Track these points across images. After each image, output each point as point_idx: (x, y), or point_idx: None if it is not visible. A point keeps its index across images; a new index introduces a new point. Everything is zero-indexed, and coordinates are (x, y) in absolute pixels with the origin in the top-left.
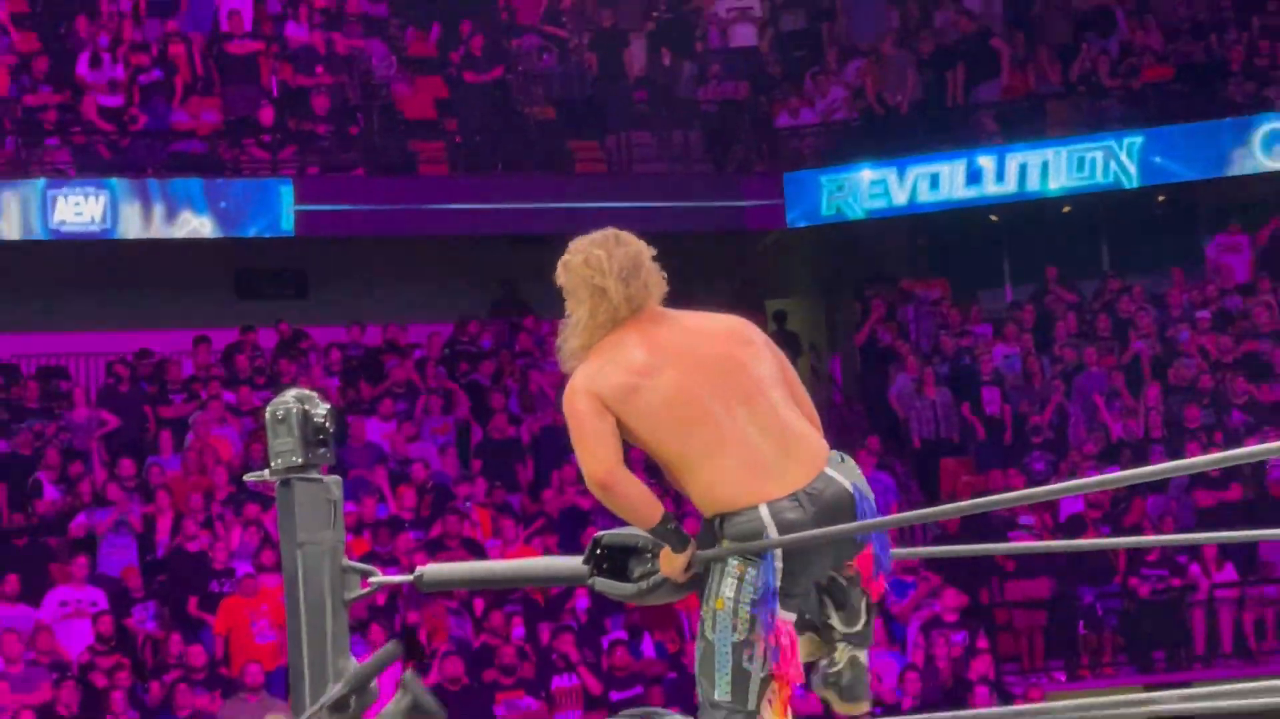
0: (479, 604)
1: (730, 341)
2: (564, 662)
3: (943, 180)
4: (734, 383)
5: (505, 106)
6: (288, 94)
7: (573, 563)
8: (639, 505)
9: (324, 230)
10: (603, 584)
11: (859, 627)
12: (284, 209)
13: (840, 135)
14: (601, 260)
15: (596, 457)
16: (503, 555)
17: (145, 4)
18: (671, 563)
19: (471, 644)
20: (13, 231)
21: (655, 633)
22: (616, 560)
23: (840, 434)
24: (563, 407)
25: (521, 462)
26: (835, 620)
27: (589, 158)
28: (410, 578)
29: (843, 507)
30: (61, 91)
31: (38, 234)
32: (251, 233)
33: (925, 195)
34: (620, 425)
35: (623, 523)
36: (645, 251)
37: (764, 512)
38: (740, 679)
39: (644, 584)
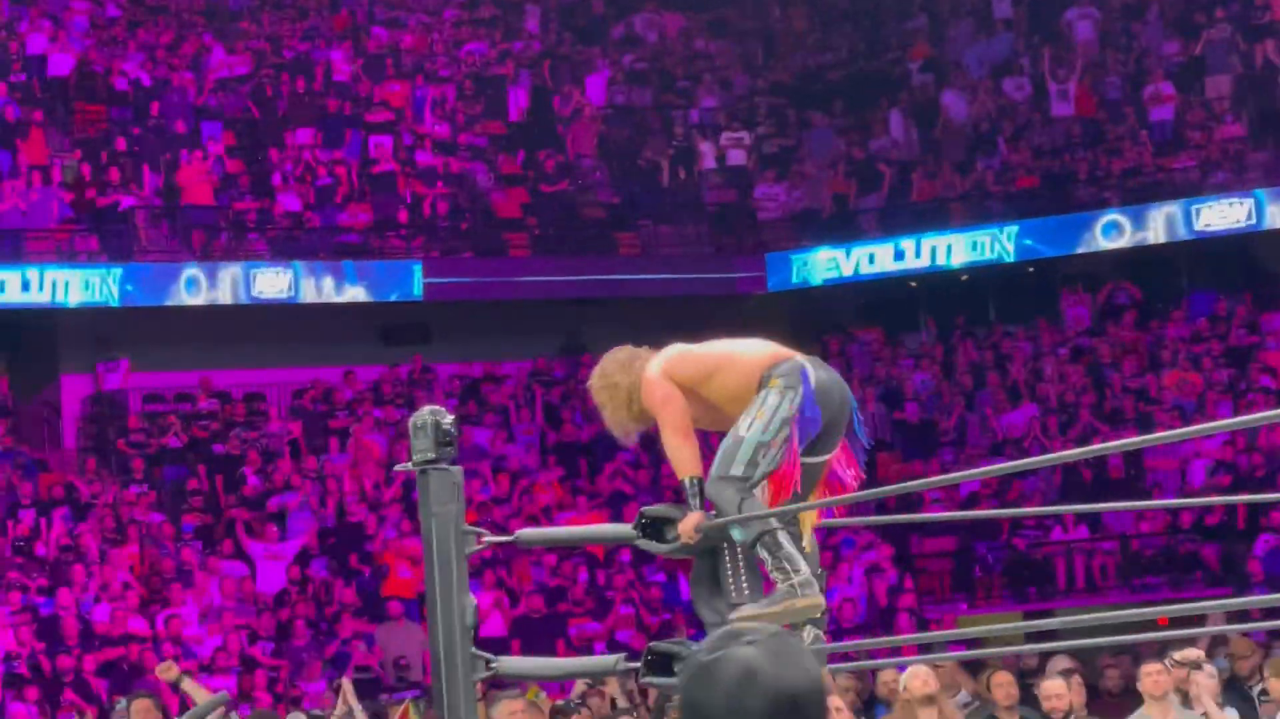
0: (552, 558)
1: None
2: (618, 596)
3: (878, 258)
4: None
5: (569, 208)
6: (417, 200)
7: (623, 528)
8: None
9: (443, 296)
10: (644, 543)
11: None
12: (415, 281)
13: (804, 226)
14: (624, 368)
15: (675, 416)
16: (571, 523)
17: (319, 139)
18: (687, 522)
19: (549, 585)
20: (226, 298)
21: (686, 574)
22: (655, 527)
23: None
24: (643, 394)
25: (584, 456)
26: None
27: (628, 244)
28: (510, 538)
29: (846, 394)
30: (260, 199)
31: (243, 299)
32: (392, 298)
33: (865, 269)
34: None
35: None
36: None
37: (802, 360)
38: (751, 464)
39: (674, 544)
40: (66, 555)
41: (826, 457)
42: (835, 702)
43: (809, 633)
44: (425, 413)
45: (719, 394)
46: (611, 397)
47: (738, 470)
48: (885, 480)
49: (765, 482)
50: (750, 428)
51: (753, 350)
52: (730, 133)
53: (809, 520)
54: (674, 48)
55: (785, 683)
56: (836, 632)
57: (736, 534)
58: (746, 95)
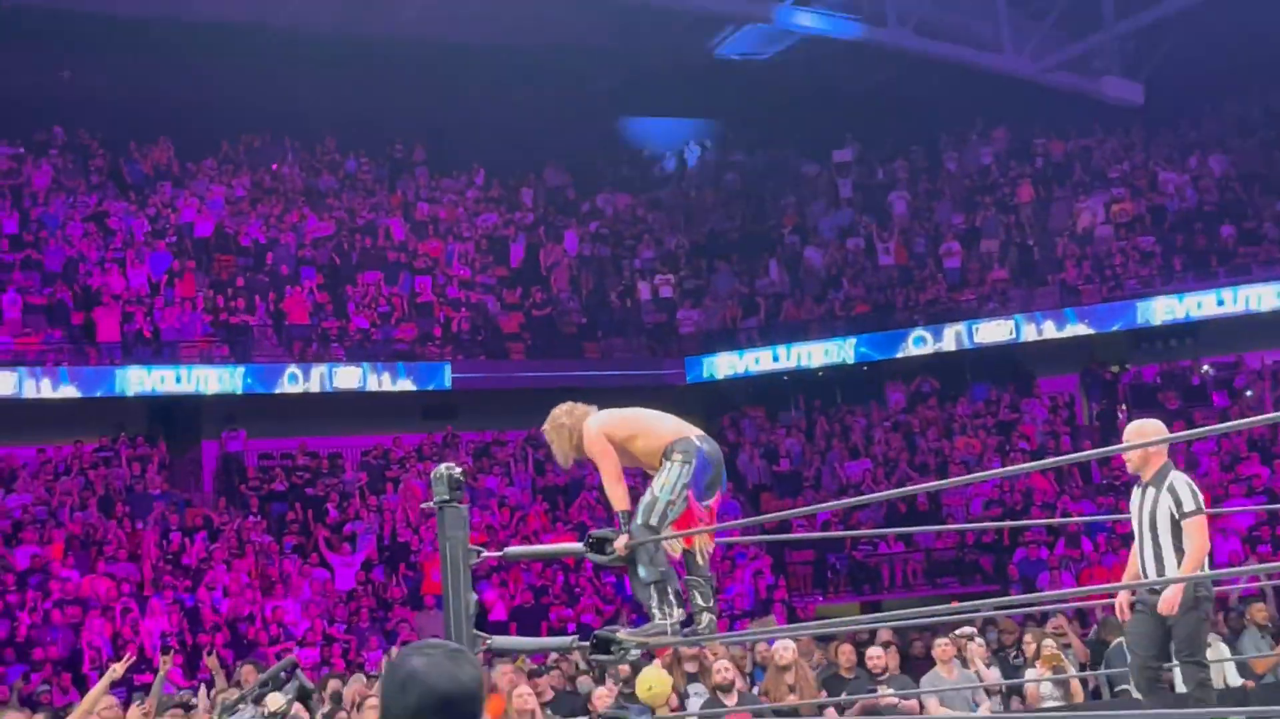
0: (538, 566)
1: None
2: (584, 592)
3: (761, 360)
4: (643, 419)
5: (552, 326)
6: (448, 320)
7: (577, 545)
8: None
9: (466, 386)
10: (591, 555)
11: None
12: (446, 376)
13: (711, 338)
14: (571, 413)
15: (612, 463)
16: (550, 542)
17: (381, 279)
18: (619, 542)
19: (535, 584)
20: (315, 388)
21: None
22: (598, 544)
23: None
24: (587, 444)
25: (561, 495)
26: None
27: (591, 350)
28: (500, 554)
29: (721, 459)
30: (340, 320)
31: (328, 389)
32: (430, 387)
33: (753, 368)
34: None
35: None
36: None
37: (695, 439)
38: (661, 517)
39: (610, 556)
40: (204, 565)
41: (710, 501)
42: (726, 664)
43: (705, 618)
44: (442, 469)
45: (639, 450)
46: (558, 434)
47: (654, 520)
48: (767, 512)
49: (670, 525)
50: (661, 490)
51: (664, 426)
52: (661, 275)
53: (701, 543)
54: (624, 217)
55: (438, 686)
56: (731, 616)
57: (642, 572)
58: (673, 250)
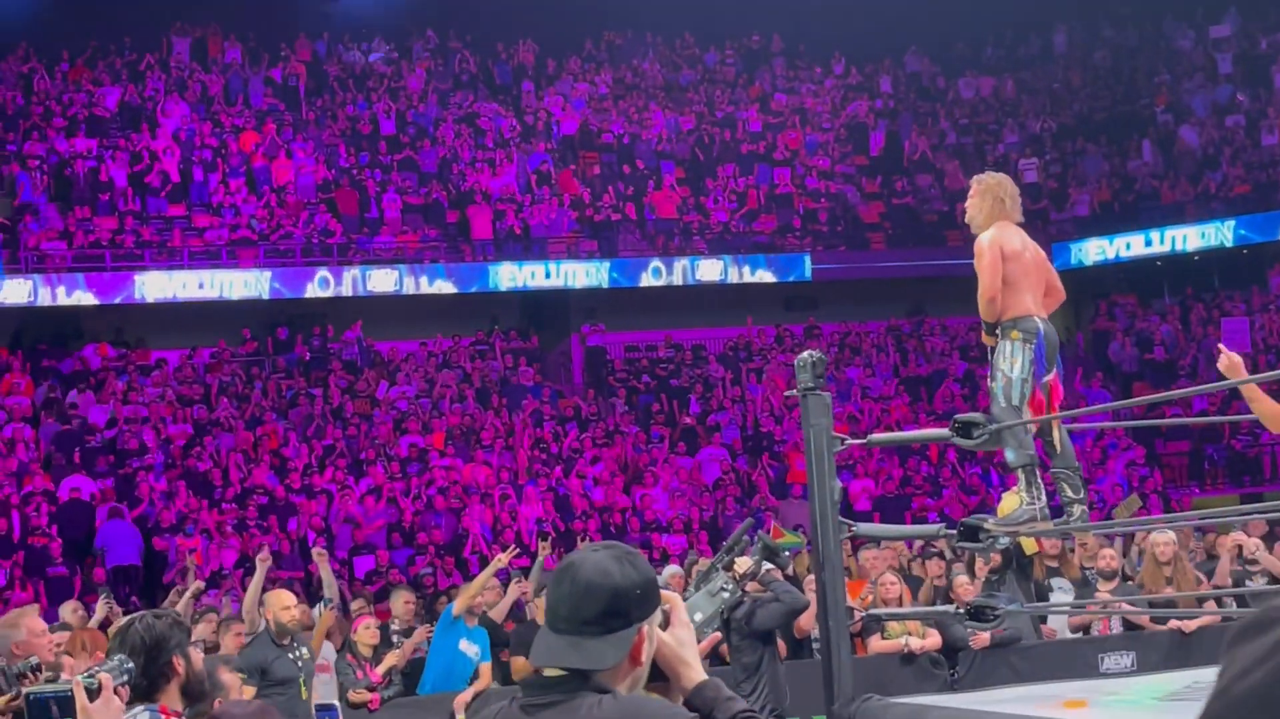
0: (899, 457)
1: (1039, 252)
2: (947, 483)
3: (1133, 245)
4: (1041, 271)
5: (913, 215)
6: (808, 212)
7: (942, 430)
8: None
9: (826, 277)
10: (957, 440)
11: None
12: (806, 267)
13: (1081, 224)
14: (1007, 185)
15: (994, 280)
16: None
17: (738, 171)
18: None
19: (896, 475)
20: (678, 280)
21: (993, 464)
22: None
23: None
24: (984, 243)
25: (924, 385)
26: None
27: (954, 239)
28: (864, 440)
29: (1057, 339)
30: (700, 214)
31: (690, 282)
32: (790, 279)
33: (1124, 253)
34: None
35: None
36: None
37: (1037, 320)
38: (1021, 395)
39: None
40: (574, 455)
41: (1049, 378)
42: (1111, 552)
43: (1076, 510)
44: (807, 355)
45: (994, 286)
46: (982, 198)
47: (1015, 400)
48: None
49: (1025, 405)
50: (1012, 370)
51: (1025, 294)
52: (1026, 159)
53: (1057, 426)
54: (987, 100)
55: (586, 576)
56: (1103, 507)
57: (1010, 456)
58: (1039, 133)
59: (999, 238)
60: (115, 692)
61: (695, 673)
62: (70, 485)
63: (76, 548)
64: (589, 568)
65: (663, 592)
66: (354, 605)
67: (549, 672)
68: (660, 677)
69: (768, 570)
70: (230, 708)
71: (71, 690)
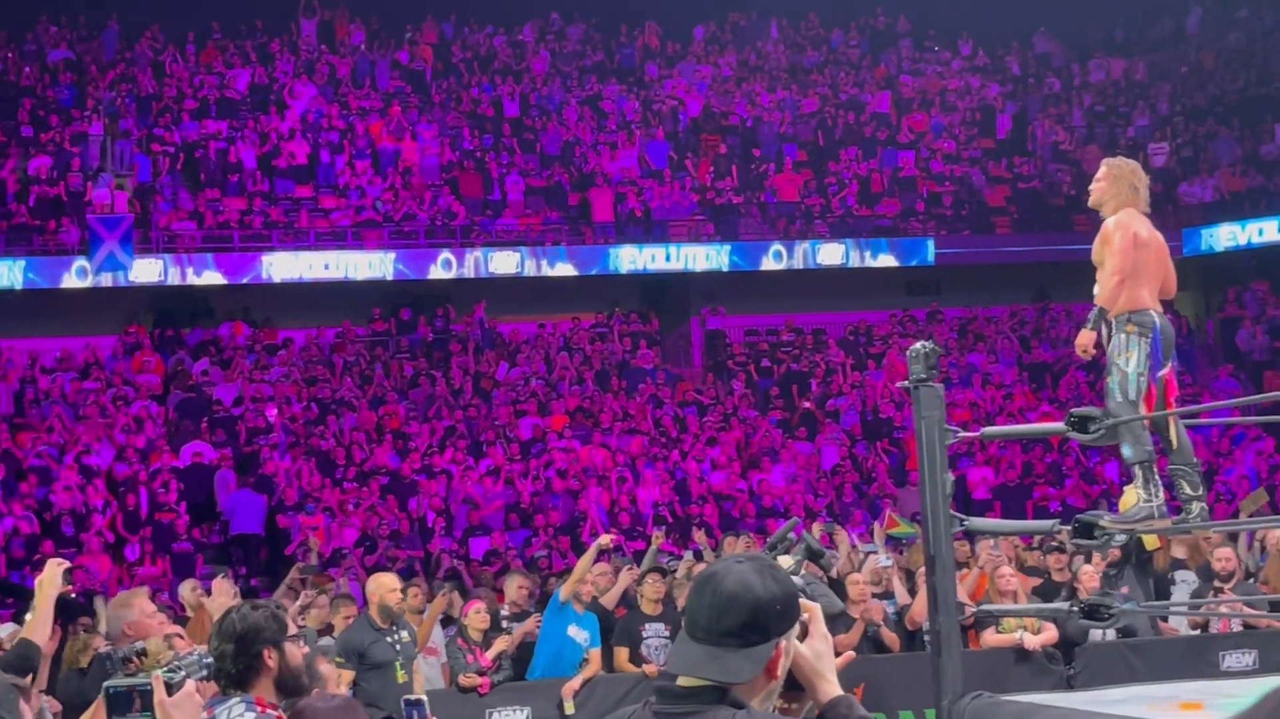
0: (1021, 444)
1: (1163, 245)
2: (1069, 473)
3: (1265, 231)
4: (1159, 260)
5: (1039, 199)
6: (931, 195)
7: (1058, 424)
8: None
9: (949, 261)
10: (1073, 434)
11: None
12: (929, 251)
13: (1210, 209)
14: (1140, 174)
15: (1126, 262)
16: (1037, 422)
17: (861, 155)
18: (1081, 338)
19: (1019, 463)
20: (799, 264)
21: (1115, 457)
22: (1080, 423)
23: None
24: (1117, 225)
25: (1048, 373)
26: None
27: (1081, 223)
28: (978, 435)
29: (1172, 333)
30: (822, 197)
31: (811, 265)
32: (913, 263)
33: (1255, 239)
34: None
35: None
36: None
37: (1154, 314)
38: (1136, 390)
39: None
40: (684, 437)
41: (1162, 373)
42: (1228, 553)
43: (1195, 507)
44: (920, 346)
45: (1125, 267)
46: (1115, 181)
47: (1133, 395)
48: (1270, 390)
49: (1140, 400)
50: (1129, 365)
51: (1147, 288)
52: (1155, 143)
53: (1173, 422)
54: (1117, 83)
55: (729, 589)
56: (1230, 499)
57: (1127, 451)
58: (1169, 116)
59: (1131, 223)
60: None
61: (831, 687)
62: (193, 450)
63: (198, 512)
64: (731, 580)
65: (802, 602)
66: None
67: (684, 680)
68: (794, 686)
69: (807, 572)
70: (315, 702)
71: (152, 685)
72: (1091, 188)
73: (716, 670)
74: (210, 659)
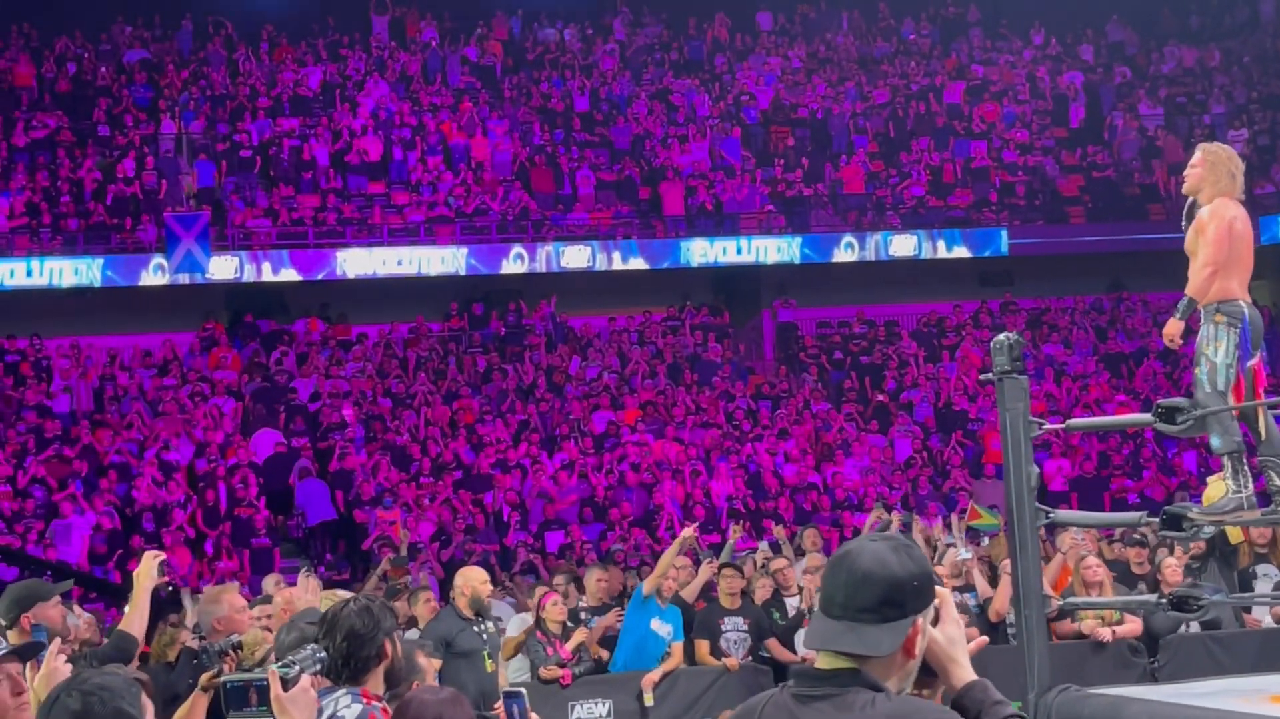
0: (1100, 435)
1: (1250, 227)
2: (1148, 464)
3: None
4: (1249, 249)
5: (1114, 188)
6: (1005, 186)
7: (1145, 415)
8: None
9: (1023, 252)
10: (1160, 425)
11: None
12: (1003, 242)
13: None
14: (1236, 160)
15: (1220, 253)
16: (1114, 413)
17: (934, 145)
18: (1169, 328)
19: (1097, 453)
20: (871, 256)
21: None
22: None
23: None
24: (1212, 215)
25: (1125, 363)
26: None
27: (1156, 213)
28: (1063, 426)
29: (1261, 321)
30: (895, 188)
31: (883, 257)
32: (986, 254)
33: None
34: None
35: None
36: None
37: (1243, 304)
38: (1226, 380)
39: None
40: (760, 431)
41: (1252, 362)
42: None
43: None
44: (1004, 338)
45: (1218, 258)
46: (1212, 169)
47: (1221, 386)
48: None
49: (1229, 391)
50: (1218, 355)
51: (1238, 272)
52: (1233, 131)
53: (1262, 412)
54: (1192, 70)
55: (863, 566)
56: None
57: (1216, 442)
58: (1245, 104)
59: (1230, 214)
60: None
61: (965, 672)
62: (274, 440)
63: (275, 501)
64: (867, 557)
65: (936, 587)
66: (555, 581)
67: (822, 663)
68: (928, 672)
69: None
70: (423, 694)
71: (268, 679)
72: (1186, 173)
73: (855, 643)
74: (324, 653)
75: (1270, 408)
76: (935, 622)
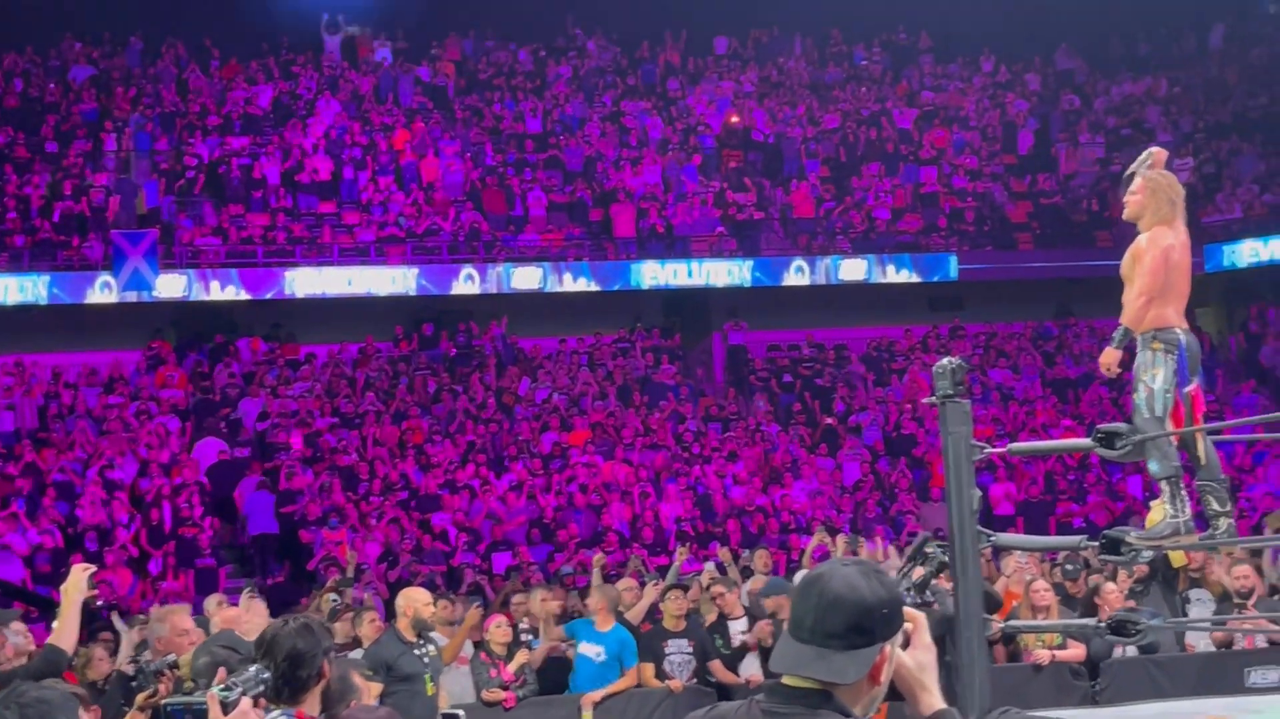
0: (1045, 461)
1: (1189, 255)
2: (1091, 489)
3: None
4: (1185, 278)
5: (1061, 215)
6: (954, 211)
7: (1085, 440)
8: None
9: (972, 277)
10: (1099, 450)
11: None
12: (952, 267)
13: (1232, 225)
14: (1177, 188)
15: (1155, 283)
16: (1060, 438)
17: (883, 170)
18: (1105, 356)
19: (1042, 479)
20: (821, 280)
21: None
22: (1107, 439)
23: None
24: (1150, 243)
25: (1071, 389)
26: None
27: (1103, 239)
28: (1004, 450)
29: (1198, 348)
30: (844, 213)
31: (833, 281)
32: (935, 279)
33: (1279, 255)
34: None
35: None
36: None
37: (1179, 331)
38: (1163, 406)
39: (1121, 451)
40: (709, 453)
41: (1189, 389)
42: (1246, 570)
43: (1223, 523)
44: (946, 362)
45: (1153, 288)
46: (1153, 195)
47: (1159, 412)
48: None
49: (1167, 416)
50: (1154, 381)
51: (1174, 306)
52: (1179, 159)
53: (1200, 437)
54: (1141, 100)
55: (835, 590)
56: (1254, 515)
57: (1154, 467)
58: (1191, 132)
59: (1167, 242)
60: (255, 703)
61: (933, 699)
62: (217, 448)
63: (218, 508)
64: (838, 581)
65: (907, 610)
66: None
67: (789, 681)
68: (895, 696)
69: (938, 584)
70: (358, 713)
71: (207, 703)
72: (1127, 200)
73: (822, 670)
74: (267, 675)
75: (1208, 433)
76: (905, 645)
